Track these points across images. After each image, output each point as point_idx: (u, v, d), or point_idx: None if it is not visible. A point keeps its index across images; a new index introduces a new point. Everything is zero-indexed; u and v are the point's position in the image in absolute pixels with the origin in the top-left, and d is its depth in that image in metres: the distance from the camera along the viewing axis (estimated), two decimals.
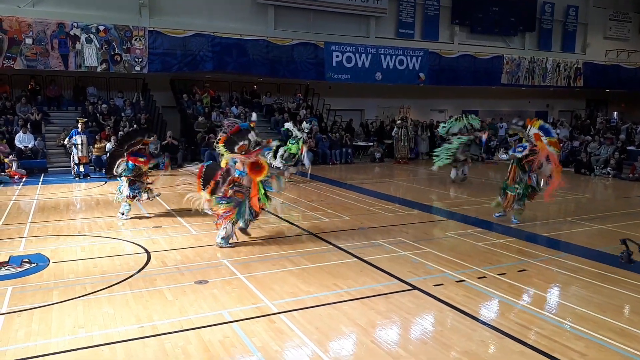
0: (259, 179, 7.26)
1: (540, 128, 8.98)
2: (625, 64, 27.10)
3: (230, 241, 7.33)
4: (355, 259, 6.81)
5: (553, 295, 5.69)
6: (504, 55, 23.83)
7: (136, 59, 17.07)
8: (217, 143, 7.35)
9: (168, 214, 9.64)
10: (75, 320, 4.81)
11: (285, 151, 12.55)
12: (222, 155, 7.35)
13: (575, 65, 25.53)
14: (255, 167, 7.24)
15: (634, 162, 16.17)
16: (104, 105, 17.41)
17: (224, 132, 7.45)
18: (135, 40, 16.94)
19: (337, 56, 20.30)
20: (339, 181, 14.42)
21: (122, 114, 17.55)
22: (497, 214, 9.51)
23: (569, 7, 26.85)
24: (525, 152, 8.73)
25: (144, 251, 7.09)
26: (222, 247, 7.22)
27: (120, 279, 5.92)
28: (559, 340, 4.48)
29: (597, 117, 25.01)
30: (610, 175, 16.04)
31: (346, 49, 20.49)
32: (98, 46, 16.49)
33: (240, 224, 7.47)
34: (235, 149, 7.25)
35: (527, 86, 24.74)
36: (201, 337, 4.47)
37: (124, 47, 16.83)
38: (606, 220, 9.62)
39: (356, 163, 19.06)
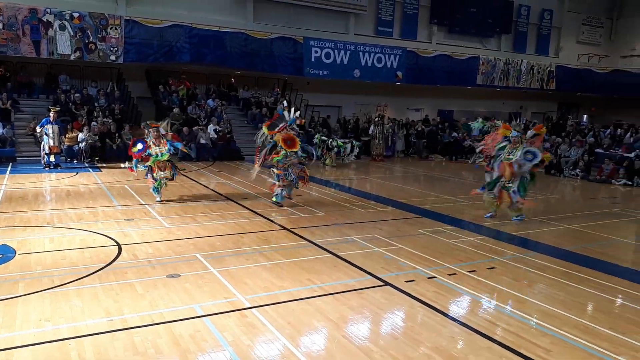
0: (294, 149, 9.61)
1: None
2: (596, 68, 27.82)
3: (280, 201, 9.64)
4: (329, 255, 6.84)
5: (521, 293, 5.82)
6: (480, 56, 24.19)
7: (111, 48, 16.74)
8: (264, 126, 9.83)
9: (140, 206, 9.50)
10: (42, 313, 4.71)
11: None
12: (266, 135, 9.73)
13: (549, 68, 26.09)
14: (288, 141, 9.56)
15: (601, 165, 16.63)
16: (77, 95, 17.02)
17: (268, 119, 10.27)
18: (111, 29, 16.60)
19: (316, 52, 20.28)
20: (315, 177, 14.42)
21: (96, 104, 17.19)
22: (488, 215, 9.65)
23: (544, 11, 27.39)
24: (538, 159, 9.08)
25: (115, 244, 6.98)
26: (278, 204, 9.73)
27: (89, 272, 5.82)
28: (525, 336, 4.59)
29: (567, 120, 25.60)
30: (578, 177, 16.46)
31: (325, 44, 20.49)
32: (72, 34, 16.11)
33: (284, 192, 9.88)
34: (276, 129, 9.59)
35: (501, 87, 25.18)
36: (172, 331, 4.43)
37: (99, 35, 16.49)
38: (574, 220, 9.88)
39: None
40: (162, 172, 9.76)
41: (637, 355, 4.29)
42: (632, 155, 16.88)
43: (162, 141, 9.69)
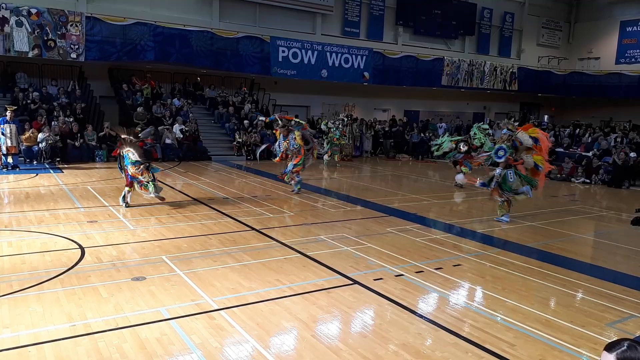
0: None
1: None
2: (555, 70, 28.72)
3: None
4: (299, 255, 6.83)
5: (485, 289, 5.95)
6: (445, 58, 24.61)
7: (72, 46, 16.25)
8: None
9: (104, 208, 9.27)
10: (0, 319, 4.53)
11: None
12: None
13: (511, 70, 26.78)
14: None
15: (561, 163, 17.18)
16: (36, 93, 16.46)
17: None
18: (71, 25, 16.12)
19: (283, 51, 20.22)
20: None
21: (55, 103, 16.66)
22: (503, 218, 9.65)
23: (505, 14, 28.10)
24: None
25: (78, 247, 6.78)
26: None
27: (50, 276, 5.63)
28: (490, 331, 4.70)
29: (529, 120, 26.33)
30: None
31: (292, 44, 20.45)
32: (29, 30, 15.57)
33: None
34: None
35: (465, 88, 25.68)
36: (137, 335, 4.33)
37: (59, 32, 15.99)
38: (536, 217, 10.17)
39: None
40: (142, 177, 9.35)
41: (596, 347, 4.45)
42: (590, 154, 17.51)
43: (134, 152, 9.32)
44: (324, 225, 8.63)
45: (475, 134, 12.77)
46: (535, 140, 9.20)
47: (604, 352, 1.95)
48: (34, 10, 15.58)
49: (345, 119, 19.47)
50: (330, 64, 21.33)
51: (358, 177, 15.65)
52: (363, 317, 4.99)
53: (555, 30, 30.20)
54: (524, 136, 9.22)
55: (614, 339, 1.98)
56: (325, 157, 17.39)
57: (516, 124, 10.76)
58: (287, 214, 9.43)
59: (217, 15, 19.86)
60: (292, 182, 11.69)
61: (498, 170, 9.37)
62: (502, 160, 9.24)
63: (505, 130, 9.60)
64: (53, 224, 7.95)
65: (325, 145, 17.45)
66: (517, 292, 5.77)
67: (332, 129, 17.73)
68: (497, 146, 9.45)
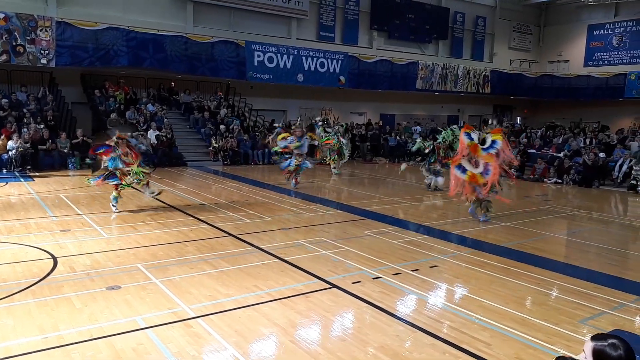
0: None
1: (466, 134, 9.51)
2: (527, 73, 29.35)
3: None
4: (277, 260, 6.80)
5: (462, 289, 6.03)
6: (419, 62, 24.92)
7: (42, 51, 15.93)
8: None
9: (77, 216, 9.08)
10: None
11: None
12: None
13: (484, 73, 27.26)
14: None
15: (534, 164, 17.54)
16: (5, 100, 16.07)
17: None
18: (41, 30, 15.81)
19: (259, 56, 20.19)
20: (261, 182, 14.35)
21: (25, 110, 16.28)
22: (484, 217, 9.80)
23: (477, 18, 28.60)
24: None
25: (50, 256, 6.63)
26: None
27: (21, 287, 5.48)
28: (467, 331, 4.75)
29: (502, 122, 26.80)
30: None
31: (268, 49, 20.44)
32: None
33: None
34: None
35: (440, 91, 26.04)
36: (112, 346, 4.25)
37: (28, 37, 15.66)
38: (511, 218, 10.35)
39: (278, 164, 19.00)
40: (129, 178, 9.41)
41: (569, 344, 4.54)
42: (561, 155, 17.91)
43: (130, 153, 9.28)
44: (302, 230, 8.62)
45: (444, 136, 12.85)
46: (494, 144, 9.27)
47: (589, 339, 2.04)
48: (1, 15, 15.24)
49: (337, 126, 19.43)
50: (306, 68, 21.38)
51: (336, 180, 15.69)
52: (342, 321, 5.00)
53: (526, 33, 30.88)
54: (489, 139, 9.35)
55: (605, 332, 2.05)
56: (334, 170, 16.65)
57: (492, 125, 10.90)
58: (265, 219, 9.39)
59: (191, 20, 19.73)
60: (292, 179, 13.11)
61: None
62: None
63: (476, 132, 9.68)
64: (24, 234, 7.75)
65: (327, 154, 16.69)
66: (492, 292, 5.86)
67: (330, 135, 16.66)
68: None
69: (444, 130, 13.38)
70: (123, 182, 9.46)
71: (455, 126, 13.74)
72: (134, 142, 9.46)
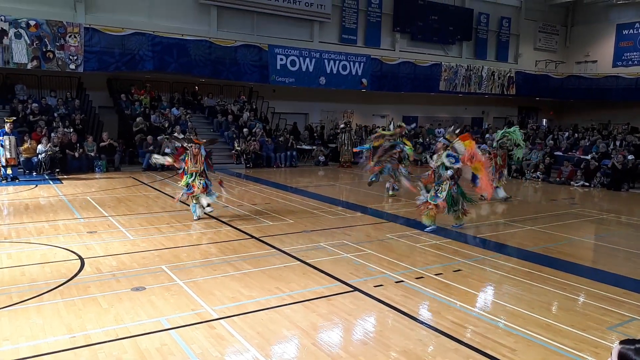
0: None
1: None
2: (553, 74, 28.80)
3: None
4: (298, 262, 6.82)
5: (486, 294, 5.95)
6: (442, 63, 24.69)
7: (71, 57, 16.33)
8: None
9: (104, 218, 9.27)
10: (0, 332, 4.52)
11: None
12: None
13: (508, 74, 26.85)
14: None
15: (560, 167, 17.20)
16: (35, 105, 16.50)
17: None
18: (70, 37, 16.20)
19: (282, 59, 20.29)
20: (283, 184, 14.41)
21: (55, 114, 16.71)
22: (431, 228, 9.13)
23: (502, 19, 28.22)
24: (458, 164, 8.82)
25: (78, 257, 6.78)
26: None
27: (50, 287, 5.63)
28: (491, 337, 4.69)
29: (528, 124, 26.38)
30: (539, 179, 16.97)
31: (290, 52, 20.53)
32: (28, 42, 15.65)
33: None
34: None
35: (463, 93, 25.75)
36: (137, 346, 4.32)
37: (57, 43, 16.06)
38: (536, 221, 10.16)
39: (300, 166, 19.11)
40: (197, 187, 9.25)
41: (597, 350, 4.44)
42: (588, 157, 17.52)
43: (199, 159, 9.23)
44: (324, 232, 8.63)
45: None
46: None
47: (617, 343, 2.03)
48: (32, 22, 15.66)
49: (343, 126, 19.49)
50: (328, 71, 21.40)
51: (358, 183, 15.65)
52: (364, 324, 4.98)
53: (552, 34, 30.32)
54: (460, 146, 8.88)
55: (636, 337, 2.03)
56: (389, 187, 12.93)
57: (457, 130, 10.21)
58: (287, 221, 9.43)
59: (215, 25, 19.96)
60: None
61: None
62: (458, 165, 8.77)
63: (442, 139, 9.28)
64: (52, 235, 7.95)
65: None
66: (517, 297, 5.76)
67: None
68: (446, 152, 8.86)
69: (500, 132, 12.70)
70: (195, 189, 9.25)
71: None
72: (204, 152, 9.33)
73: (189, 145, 9.20)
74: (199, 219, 9.28)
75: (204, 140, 9.70)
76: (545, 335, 4.73)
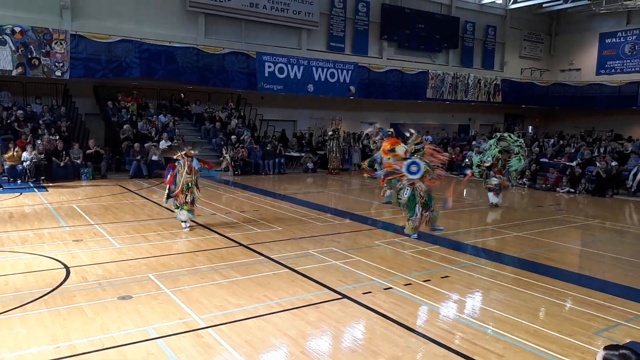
0: None
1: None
2: (538, 81, 29.19)
3: None
4: (287, 270, 6.80)
5: (474, 300, 5.97)
6: (429, 71, 24.90)
7: (56, 64, 16.19)
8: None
9: (90, 226, 9.16)
10: None
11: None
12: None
13: (495, 82, 27.16)
14: None
15: (546, 173, 17.39)
16: (20, 112, 16.31)
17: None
18: (56, 43, 16.07)
19: (269, 67, 20.32)
20: (271, 191, 14.38)
21: (40, 121, 16.52)
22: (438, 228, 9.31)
23: (488, 27, 28.58)
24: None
25: (63, 266, 6.69)
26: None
27: (35, 297, 5.54)
28: (479, 343, 4.70)
29: (514, 131, 26.63)
30: (526, 186, 17.12)
31: (278, 59, 20.57)
32: (13, 49, 15.49)
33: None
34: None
35: (450, 101, 25.97)
36: (124, 355, 4.27)
37: (43, 50, 15.92)
38: (523, 227, 10.25)
39: (289, 173, 19.09)
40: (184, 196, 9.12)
41: (584, 356, 4.47)
42: (573, 164, 17.74)
43: (193, 169, 9.12)
44: (312, 240, 8.61)
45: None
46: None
47: (602, 349, 2.05)
48: (18, 29, 15.51)
49: (331, 133, 19.52)
50: (316, 78, 21.47)
51: (346, 190, 15.69)
52: (352, 332, 4.97)
53: (537, 42, 30.77)
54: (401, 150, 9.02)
55: (620, 343, 2.05)
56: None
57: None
58: (275, 228, 9.40)
59: (202, 32, 19.95)
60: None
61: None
62: (417, 176, 8.68)
63: (403, 146, 9.15)
64: (37, 244, 7.84)
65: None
66: (505, 303, 5.79)
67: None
68: (408, 161, 8.77)
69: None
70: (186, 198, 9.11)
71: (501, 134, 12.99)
72: (197, 165, 9.21)
73: (182, 153, 9.13)
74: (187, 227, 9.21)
75: (196, 152, 9.58)
76: (533, 341, 4.76)
